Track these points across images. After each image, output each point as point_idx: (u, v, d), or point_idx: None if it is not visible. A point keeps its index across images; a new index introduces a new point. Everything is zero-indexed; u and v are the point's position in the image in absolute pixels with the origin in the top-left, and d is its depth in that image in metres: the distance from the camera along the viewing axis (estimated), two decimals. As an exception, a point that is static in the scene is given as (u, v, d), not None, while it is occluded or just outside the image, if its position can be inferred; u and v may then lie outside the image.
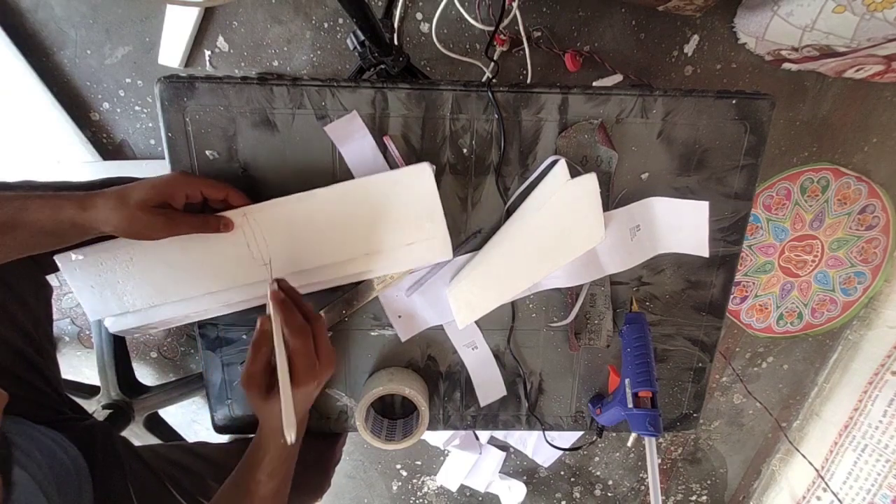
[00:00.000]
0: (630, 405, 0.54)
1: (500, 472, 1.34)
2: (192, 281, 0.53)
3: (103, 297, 0.53)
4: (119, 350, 0.89)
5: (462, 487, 1.35)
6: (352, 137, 0.52)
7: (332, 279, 0.54)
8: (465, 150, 0.54)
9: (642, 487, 1.42)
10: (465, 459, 1.30)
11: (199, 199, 0.48)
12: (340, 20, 0.88)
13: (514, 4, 0.85)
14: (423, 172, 0.51)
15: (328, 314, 0.58)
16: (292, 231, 0.51)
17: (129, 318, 0.54)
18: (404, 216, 0.52)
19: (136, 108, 0.92)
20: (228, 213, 0.49)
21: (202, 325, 0.58)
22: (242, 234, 0.51)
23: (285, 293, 0.45)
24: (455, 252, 0.57)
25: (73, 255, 0.51)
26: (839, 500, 1.15)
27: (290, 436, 0.41)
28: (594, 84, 0.93)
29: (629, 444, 1.32)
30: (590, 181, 0.50)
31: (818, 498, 1.23)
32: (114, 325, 0.54)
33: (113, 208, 0.43)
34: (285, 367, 0.43)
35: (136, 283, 0.53)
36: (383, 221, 0.52)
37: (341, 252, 0.53)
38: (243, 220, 0.50)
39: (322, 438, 0.70)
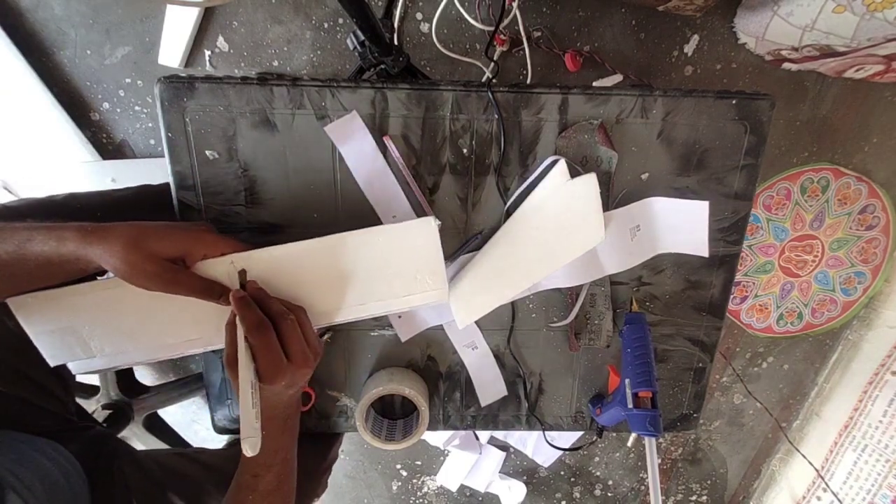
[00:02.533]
0: (630, 405, 0.54)
1: (500, 472, 1.34)
2: (170, 328, 0.49)
3: (65, 342, 0.48)
4: (119, 350, 0.88)
5: (462, 487, 1.35)
6: (352, 138, 0.52)
7: (320, 324, 0.52)
8: (465, 150, 0.54)
9: (642, 487, 1.42)
10: (465, 459, 1.30)
11: (217, 257, 0.46)
12: (340, 20, 0.88)
13: (514, 4, 0.85)
14: (426, 227, 0.49)
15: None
16: (282, 279, 0.48)
17: (95, 362, 0.49)
18: (404, 270, 0.50)
19: (136, 108, 0.92)
20: (214, 261, 0.46)
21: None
22: (229, 281, 0.47)
23: (250, 292, 0.44)
24: (455, 252, 0.57)
25: (31, 298, 0.46)
26: (839, 500, 1.15)
27: (248, 448, 0.38)
28: (594, 84, 0.93)
29: (629, 444, 1.33)
30: (590, 181, 0.50)
31: (818, 498, 1.23)
32: (77, 368, 0.50)
33: (121, 247, 0.40)
34: (247, 371, 0.41)
35: (106, 329, 0.48)
36: (381, 274, 0.50)
37: (332, 302, 0.50)
38: (230, 268, 0.47)
39: (318, 440, 0.70)
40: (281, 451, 0.48)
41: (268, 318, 0.43)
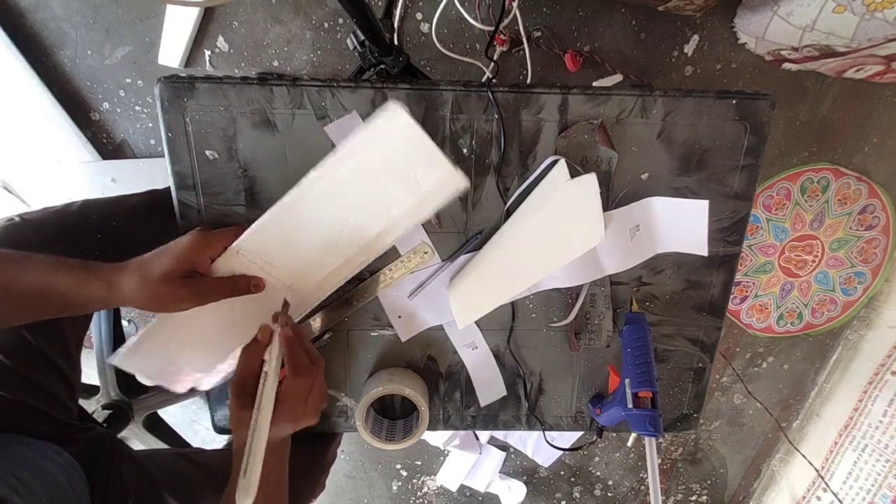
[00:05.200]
0: (630, 405, 0.54)
1: (500, 472, 1.34)
2: (237, 329, 0.51)
3: (178, 375, 0.53)
4: (119, 350, 0.88)
5: (462, 487, 1.35)
6: (352, 137, 0.52)
7: (360, 265, 0.50)
8: (465, 150, 0.54)
9: (642, 487, 1.42)
10: (465, 459, 1.30)
11: (221, 253, 0.47)
12: (340, 20, 0.87)
13: (514, 4, 0.85)
14: (394, 117, 0.43)
15: (328, 314, 0.58)
16: (287, 243, 0.48)
17: (208, 379, 0.55)
18: (400, 176, 0.45)
19: (136, 108, 0.92)
20: (224, 258, 0.47)
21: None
22: (247, 271, 0.48)
23: (292, 331, 0.45)
24: (455, 253, 0.57)
25: (124, 351, 0.50)
26: (839, 500, 1.15)
27: (244, 497, 0.36)
28: (594, 84, 0.93)
29: (629, 444, 1.33)
30: (590, 181, 0.50)
31: (818, 498, 1.23)
32: (206, 385, 0.56)
33: (137, 287, 0.41)
34: (267, 414, 0.40)
35: (192, 352, 0.52)
36: (380, 190, 0.46)
37: (348, 244, 0.49)
38: (240, 258, 0.47)
39: (316, 441, 0.70)
40: (272, 475, 0.48)
41: None
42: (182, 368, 0.53)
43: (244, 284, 0.47)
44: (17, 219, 0.52)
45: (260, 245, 0.48)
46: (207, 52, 0.89)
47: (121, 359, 0.50)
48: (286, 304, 0.48)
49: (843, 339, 1.23)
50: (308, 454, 0.67)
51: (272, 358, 0.42)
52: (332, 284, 0.52)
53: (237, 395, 0.43)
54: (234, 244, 0.47)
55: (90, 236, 0.56)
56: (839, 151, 1.04)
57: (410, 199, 0.47)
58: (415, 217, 0.48)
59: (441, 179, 0.46)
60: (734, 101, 0.53)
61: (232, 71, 0.90)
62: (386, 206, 0.47)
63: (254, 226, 0.47)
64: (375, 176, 0.46)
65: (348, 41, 0.67)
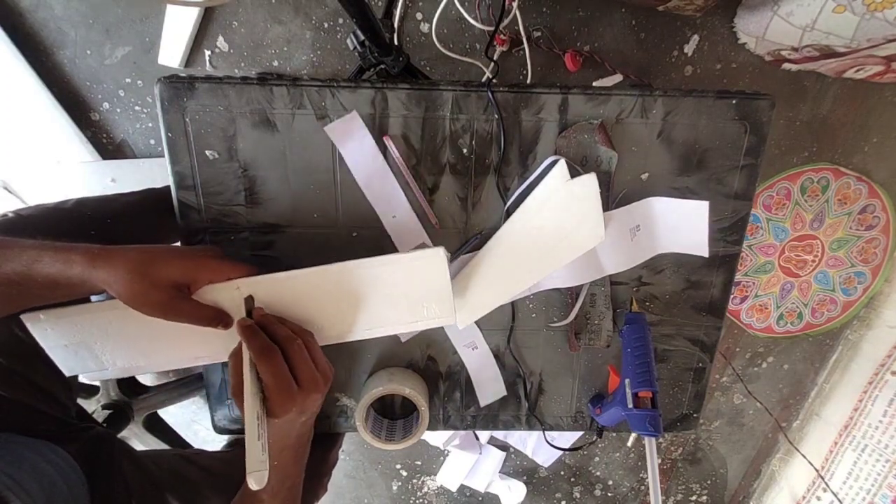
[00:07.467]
0: (630, 405, 0.54)
1: (500, 472, 1.34)
2: (178, 347, 0.50)
3: (79, 357, 0.50)
4: (119, 350, 0.88)
5: (462, 487, 1.35)
6: (352, 138, 0.52)
7: (325, 344, 0.52)
8: (465, 150, 0.54)
9: (642, 487, 1.42)
10: (465, 459, 1.30)
11: (222, 281, 0.46)
12: (340, 20, 0.88)
13: (514, 4, 0.85)
14: (435, 258, 0.49)
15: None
16: (288, 304, 0.49)
17: (106, 374, 0.52)
18: (412, 298, 0.50)
19: (136, 108, 0.92)
20: (220, 286, 0.47)
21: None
22: (234, 306, 0.48)
23: (256, 319, 0.44)
24: (455, 253, 0.57)
25: (43, 315, 0.47)
26: (839, 500, 1.15)
27: (254, 482, 0.37)
28: (594, 84, 0.93)
29: (629, 444, 1.33)
30: (590, 181, 0.50)
31: (818, 498, 1.23)
32: (89, 378, 0.52)
33: (127, 273, 0.40)
34: (252, 402, 0.40)
35: (116, 346, 0.50)
36: (389, 302, 0.50)
37: (339, 327, 0.51)
38: (236, 293, 0.47)
39: (318, 443, 0.70)
40: (289, 479, 0.48)
41: (275, 343, 0.42)
42: (99, 358, 0.50)
43: (217, 320, 0.46)
44: (10, 214, 0.52)
45: (261, 291, 0.48)
46: (207, 52, 0.89)
47: (32, 317, 0.47)
48: (250, 299, 0.47)
49: (843, 339, 1.23)
50: (311, 457, 0.67)
51: (244, 351, 0.42)
52: None
53: (237, 400, 0.42)
54: (240, 279, 0.47)
55: (84, 233, 0.55)
56: (839, 151, 1.04)
57: (410, 316, 0.51)
58: (402, 328, 0.52)
59: (441, 313, 0.52)
60: (734, 101, 0.53)
61: (232, 71, 0.90)
62: (386, 312, 0.51)
63: (270, 275, 0.48)
64: (395, 289, 0.50)
65: (348, 41, 0.67)
